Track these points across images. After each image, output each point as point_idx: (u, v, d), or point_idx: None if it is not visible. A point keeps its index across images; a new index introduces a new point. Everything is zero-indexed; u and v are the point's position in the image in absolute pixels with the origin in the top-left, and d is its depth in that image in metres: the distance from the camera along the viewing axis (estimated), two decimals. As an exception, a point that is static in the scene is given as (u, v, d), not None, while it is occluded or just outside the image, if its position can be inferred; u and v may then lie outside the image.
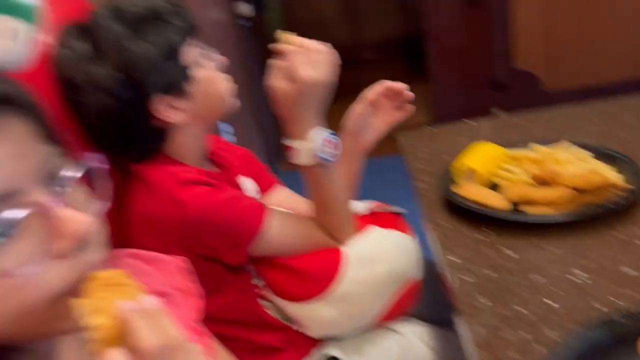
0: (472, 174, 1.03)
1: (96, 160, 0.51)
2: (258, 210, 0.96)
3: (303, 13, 5.17)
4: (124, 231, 0.94)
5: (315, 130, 0.91)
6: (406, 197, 1.19)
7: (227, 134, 2.02)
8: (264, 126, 3.00)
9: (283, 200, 1.18)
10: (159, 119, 0.92)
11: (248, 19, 2.77)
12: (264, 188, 1.18)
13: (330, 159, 0.92)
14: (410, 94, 1.07)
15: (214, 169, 1.07)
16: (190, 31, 0.94)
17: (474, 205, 0.94)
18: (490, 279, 0.81)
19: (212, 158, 1.09)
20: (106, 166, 0.52)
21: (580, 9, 2.79)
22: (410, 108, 1.09)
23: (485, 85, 2.97)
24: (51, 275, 0.45)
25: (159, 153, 0.97)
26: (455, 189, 1.01)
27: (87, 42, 0.87)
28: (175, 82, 0.91)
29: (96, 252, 0.48)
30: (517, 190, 0.97)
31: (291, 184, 1.25)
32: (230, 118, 2.13)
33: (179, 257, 0.73)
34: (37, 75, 0.82)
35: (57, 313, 0.46)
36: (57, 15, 0.84)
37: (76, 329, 0.45)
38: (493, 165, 1.05)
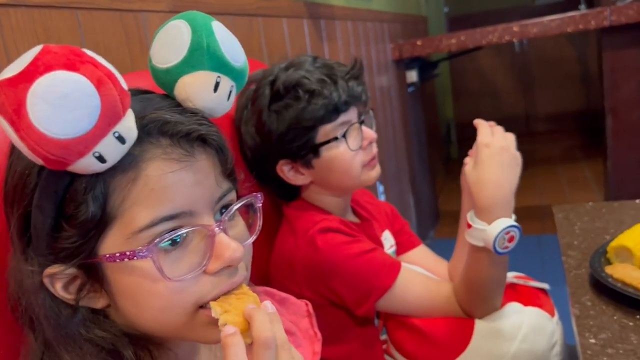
0: (627, 255, 0.94)
1: (257, 199, 0.59)
2: (391, 266, 0.98)
3: (474, 82, 5.17)
4: (263, 261, 1.03)
5: (500, 220, 0.89)
6: (560, 277, 1.11)
7: (379, 193, 2.08)
8: (419, 190, 3.02)
9: (422, 259, 1.18)
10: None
11: (414, 85, 2.87)
12: (403, 244, 1.20)
13: (501, 251, 0.89)
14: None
15: (356, 220, 1.12)
16: (334, 110, 0.96)
17: (624, 288, 0.86)
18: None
19: (357, 209, 1.14)
20: (261, 205, 0.60)
21: None
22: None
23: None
24: (199, 287, 0.53)
25: (299, 198, 1.06)
26: (607, 269, 0.93)
27: (248, 100, 1.00)
28: (298, 154, 0.98)
29: (239, 275, 0.56)
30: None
31: (440, 250, 1.25)
32: (384, 177, 2.20)
33: (305, 300, 0.80)
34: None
35: (196, 321, 0.54)
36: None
37: (212, 340, 0.54)
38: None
